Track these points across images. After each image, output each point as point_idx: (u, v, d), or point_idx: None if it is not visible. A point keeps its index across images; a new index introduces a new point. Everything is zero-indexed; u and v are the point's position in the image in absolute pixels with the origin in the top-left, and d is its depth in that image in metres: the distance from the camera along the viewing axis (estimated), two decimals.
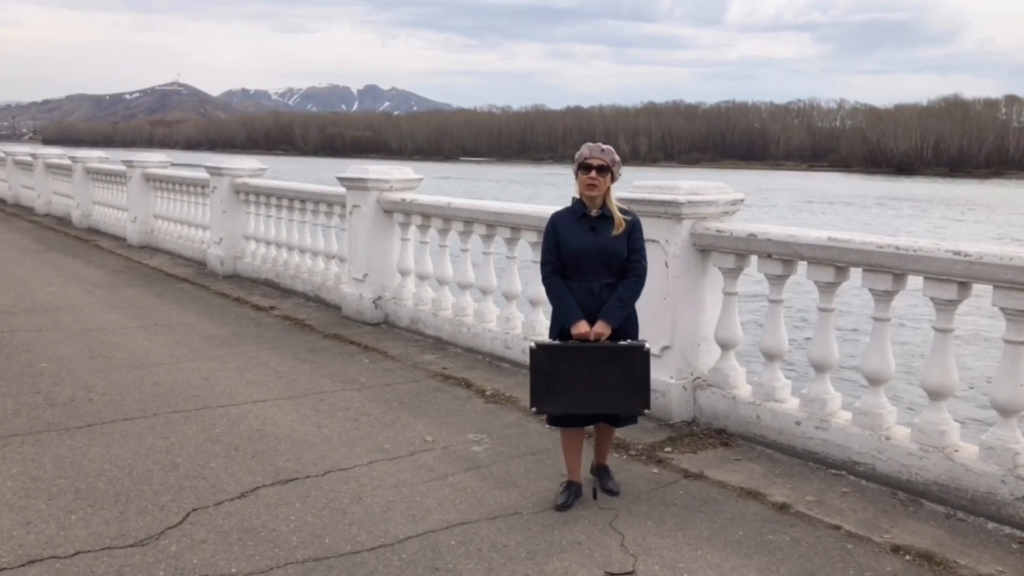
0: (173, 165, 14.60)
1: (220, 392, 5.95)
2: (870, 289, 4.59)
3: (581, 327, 4.01)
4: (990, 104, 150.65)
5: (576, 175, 4.07)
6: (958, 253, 4.11)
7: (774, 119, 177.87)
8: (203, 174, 11.79)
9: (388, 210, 8.21)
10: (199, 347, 7.25)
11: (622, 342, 4.01)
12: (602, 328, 4.00)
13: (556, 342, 4.07)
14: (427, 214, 7.79)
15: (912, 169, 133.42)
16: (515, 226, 6.87)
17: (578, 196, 4.12)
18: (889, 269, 4.43)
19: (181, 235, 13.08)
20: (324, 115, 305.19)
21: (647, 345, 3.97)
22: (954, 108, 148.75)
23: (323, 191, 9.40)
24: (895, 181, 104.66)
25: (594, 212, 4.06)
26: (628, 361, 3.96)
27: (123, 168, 14.57)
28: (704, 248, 5.38)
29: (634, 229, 4.09)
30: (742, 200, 5.61)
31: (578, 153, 4.06)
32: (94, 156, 16.94)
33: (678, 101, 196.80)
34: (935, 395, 4.35)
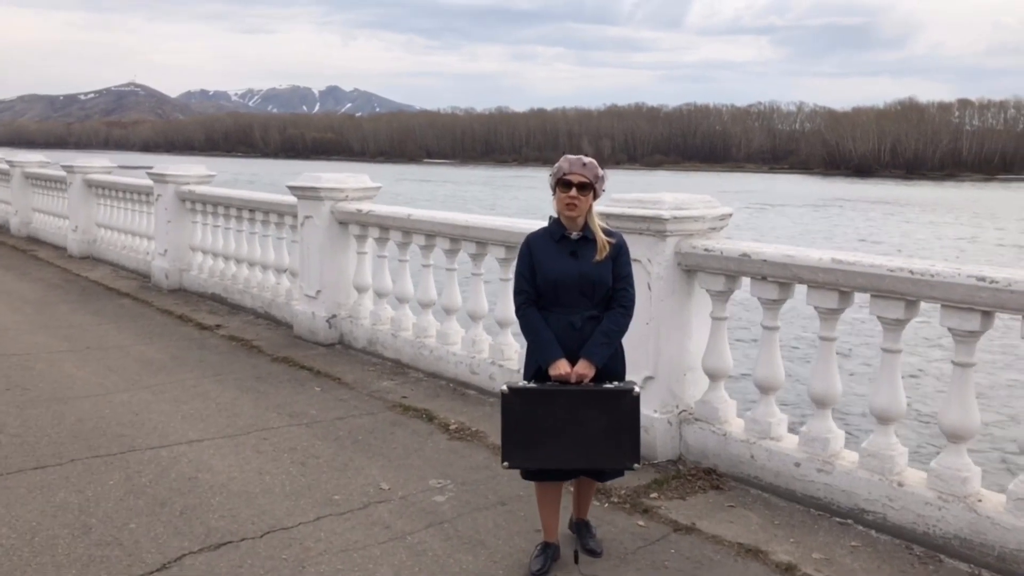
0: (123, 168, 13.79)
1: (151, 430, 5.30)
2: (879, 317, 4.11)
3: (561, 367, 3.46)
4: (944, 107, 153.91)
5: (553, 192, 3.53)
6: (983, 279, 3.64)
7: (735, 121, 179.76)
8: (147, 181, 11.05)
9: (343, 221, 7.59)
10: (133, 375, 6.57)
11: (608, 384, 3.47)
12: (585, 368, 3.46)
13: (531, 384, 3.52)
14: (385, 226, 7.19)
15: (870, 171, 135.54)
16: (481, 240, 6.32)
17: (556, 215, 3.58)
18: (902, 295, 3.96)
19: (125, 245, 12.29)
20: (285, 116, 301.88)
21: (637, 388, 3.44)
22: (910, 111, 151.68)
23: (273, 200, 8.75)
24: (854, 183, 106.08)
25: (574, 234, 3.53)
26: (615, 407, 3.42)
27: (63, 174, 13.73)
28: (690, 268, 4.88)
29: (619, 253, 3.56)
30: (730, 215, 5.12)
31: (556, 167, 3.52)
32: (33, 161, 16.02)
33: (640, 104, 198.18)
34: (955, 437, 3.88)
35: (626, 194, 5.04)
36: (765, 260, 4.49)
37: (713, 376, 4.90)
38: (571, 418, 3.42)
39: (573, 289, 3.51)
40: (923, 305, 4.04)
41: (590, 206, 3.52)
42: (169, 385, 6.31)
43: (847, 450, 4.39)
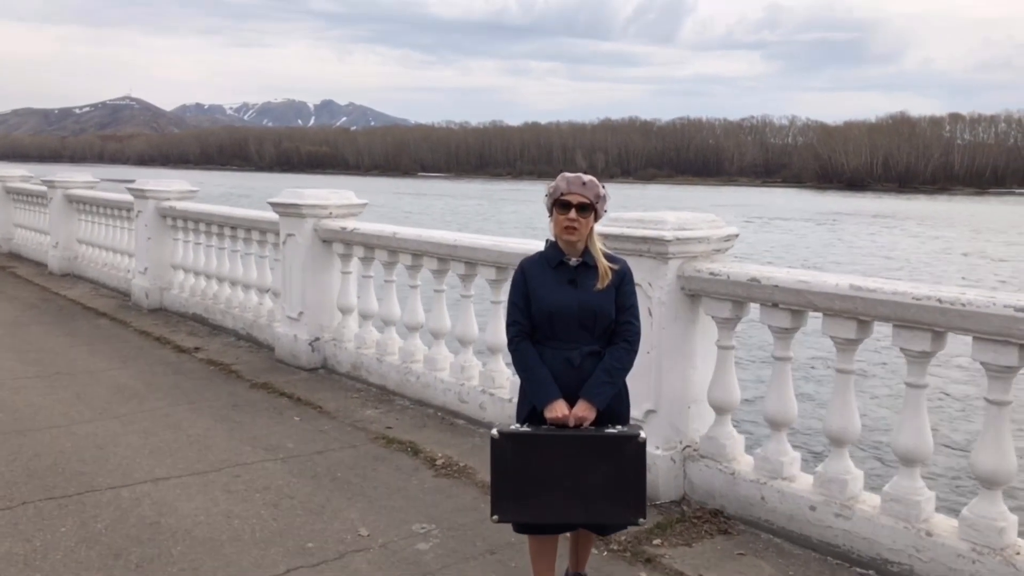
0: (113, 182, 13.43)
1: (114, 467, 4.91)
2: (902, 349, 3.76)
3: (558, 408, 3.11)
4: (935, 122, 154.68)
5: (550, 213, 3.18)
6: (1022, 309, 3.30)
7: (728, 135, 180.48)
8: (129, 196, 10.68)
9: (326, 240, 7.23)
10: (102, 403, 6.19)
11: (610, 429, 3.11)
12: (584, 410, 3.11)
13: (525, 428, 3.16)
14: (370, 245, 6.84)
15: (863, 184, 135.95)
16: (470, 260, 5.97)
17: (553, 239, 3.23)
18: (929, 326, 3.61)
19: (106, 263, 11.90)
20: (280, 130, 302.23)
21: (643, 434, 3.08)
22: (901, 125, 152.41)
23: (255, 216, 8.40)
24: (848, 196, 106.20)
25: (573, 260, 3.18)
26: (618, 454, 3.06)
27: (44, 188, 13.35)
28: (694, 293, 4.53)
29: (623, 281, 3.21)
30: (736, 235, 4.79)
31: (552, 186, 3.18)
32: (15, 175, 15.62)
33: (634, 118, 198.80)
34: (989, 483, 3.53)
35: (625, 213, 4.70)
36: (776, 285, 4.14)
37: (719, 409, 4.55)
38: (569, 466, 3.06)
39: (572, 321, 3.16)
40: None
41: (591, 229, 3.18)
42: (139, 415, 5.93)
43: (867, 492, 4.04)
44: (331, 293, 7.31)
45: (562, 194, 3.12)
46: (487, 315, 5.97)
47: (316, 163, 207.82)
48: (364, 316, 7.07)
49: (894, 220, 59.29)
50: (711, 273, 4.41)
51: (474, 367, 6.06)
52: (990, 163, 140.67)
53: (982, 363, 3.51)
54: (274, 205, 7.48)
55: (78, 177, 13.22)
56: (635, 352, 3.24)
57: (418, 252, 6.38)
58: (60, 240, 12.81)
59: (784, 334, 4.26)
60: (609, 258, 3.21)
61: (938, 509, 3.85)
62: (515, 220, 49.38)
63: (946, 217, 64.37)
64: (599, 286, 3.14)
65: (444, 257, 6.18)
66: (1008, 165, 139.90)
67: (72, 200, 12.71)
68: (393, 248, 6.60)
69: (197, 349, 8.00)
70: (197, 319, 9.28)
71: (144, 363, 7.46)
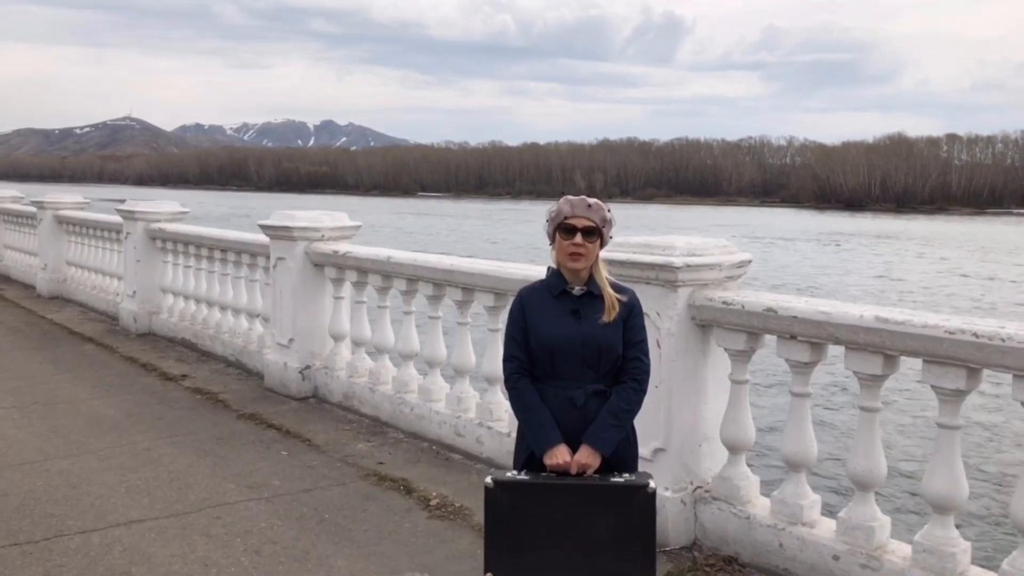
0: (108, 202, 13.17)
1: (87, 508, 4.61)
2: (933, 387, 3.48)
3: (558, 455, 2.82)
4: (932, 142, 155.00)
5: (552, 239, 2.91)
6: None
7: (726, 156, 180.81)
8: (118, 218, 10.42)
9: (318, 263, 6.96)
10: (79, 436, 5.88)
11: (616, 477, 2.82)
12: (588, 457, 2.82)
13: (522, 476, 2.87)
14: (364, 269, 6.56)
15: (861, 205, 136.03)
16: (468, 286, 5.69)
17: (555, 266, 2.95)
18: (963, 362, 3.33)
19: (95, 285, 11.62)
20: (280, 150, 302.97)
21: (652, 483, 2.79)
22: (899, 146, 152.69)
23: (246, 239, 8.12)
24: (847, 217, 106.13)
25: (577, 289, 2.90)
26: (625, 506, 2.77)
27: (33, 209, 13.10)
28: (705, 323, 4.25)
29: (631, 314, 2.93)
30: (749, 261, 4.51)
31: (555, 210, 2.91)
32: (6, 196, 15.38)
33: (632, 138, 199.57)
34: None
35: (631, 237, 4.43)
36: (795, 316, 3.86)
37: (733, 448, 4.26)
38: (571, 519, 2.77)
39: (575, 357, 2.87)
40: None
41: (597, 256, 2.90)
42: (118, 449, 5.63)
43: (896, 541, 3.73)
44: (323, 319, 7.03)
45: (566, 217, 2.85)
46: (485, 343, 5.68)
47: (316, 183, 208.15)
48: (357, 343, 6.78)
49: (897, 241, 59.13)
50: (724, 302, 4.13)
51: (471, 398, 5.77)
52: (987, 183, 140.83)
53: (1022, 403, 3.22)
54: (264, 227, 7.22)
55: (68, 198, 12.96)
56: (644, 392, 2.95)
57: (413, 277, 6.11)
58: (49, 262, 12.54)
59: (803, 368, 3.97)
60: (616, 288, 2.93)
61: (974, 560, 3.54)
62: (519, 240, 49.20)
63: (947, 237, 64.21)
64: (605, 319, 2.86)
65: (440, 282, 5.91)
66: (1006, 185, 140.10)
67: (62, 221, 12.45)
68: (387, 273, 6.33)
69: (184, 377, 7.69)
70: (186, 344, 8.98)
71: (127, 392, 7.16)
